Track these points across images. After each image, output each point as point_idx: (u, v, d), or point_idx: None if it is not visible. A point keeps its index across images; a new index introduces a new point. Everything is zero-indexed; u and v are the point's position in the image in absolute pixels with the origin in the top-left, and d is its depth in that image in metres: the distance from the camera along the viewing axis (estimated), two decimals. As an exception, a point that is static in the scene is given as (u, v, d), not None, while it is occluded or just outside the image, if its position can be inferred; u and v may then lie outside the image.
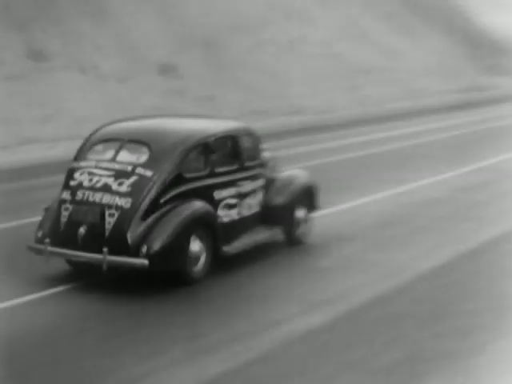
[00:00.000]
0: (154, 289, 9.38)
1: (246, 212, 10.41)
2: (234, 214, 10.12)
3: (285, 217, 10.99)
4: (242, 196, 10.26)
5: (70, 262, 9.80)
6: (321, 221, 12.29)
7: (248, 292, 9.48)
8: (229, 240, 9.90)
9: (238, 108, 28.28)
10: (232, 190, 10.07)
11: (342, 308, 8.98)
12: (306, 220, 11.48)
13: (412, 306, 9.14)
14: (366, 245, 11.89)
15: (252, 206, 10.54)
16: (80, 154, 9.81)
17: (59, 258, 9.61)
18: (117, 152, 9.50)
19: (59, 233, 9.36)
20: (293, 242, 11.25)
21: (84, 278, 9.73)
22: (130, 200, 9.05)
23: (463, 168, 18.89)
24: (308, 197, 11.50)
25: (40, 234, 9.54)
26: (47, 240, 9.31)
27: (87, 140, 10.00)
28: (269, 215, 10.75)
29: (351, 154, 21.20)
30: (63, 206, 9.37)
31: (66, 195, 9.43)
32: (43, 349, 7.59)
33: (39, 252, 9.46)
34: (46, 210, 9.86)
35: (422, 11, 63.49)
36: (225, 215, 9.93)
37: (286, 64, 32.61)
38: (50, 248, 9.27)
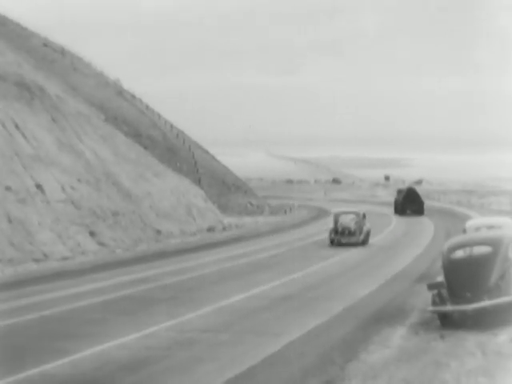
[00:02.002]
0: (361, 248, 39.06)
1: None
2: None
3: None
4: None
5: (332, 242, 38.42)
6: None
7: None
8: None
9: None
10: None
11: None
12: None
13: None
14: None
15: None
16: (337, 215, 39.56)
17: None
18: (346, 216, 39.33)
19: (338, 233, 38.31)
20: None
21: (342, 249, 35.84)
22: (357, 223, 38.64)
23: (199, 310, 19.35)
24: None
25: (332, 236, 38.54)
26: (334, 236, 38.53)
27: (335, 214, 40.08)
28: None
29: (91, 300, 20.98)
30: (339, 227, 38.41)
31: (337, 224, 38.51)
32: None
33: (332, 242, 38.59)
34: (330, 230, 39.10)
35: (161, 152, 65.58)
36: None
37: (27, 211, 32.05)
38: (338, 240, 38.30)
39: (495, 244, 16.18)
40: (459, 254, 16.30)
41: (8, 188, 32.01)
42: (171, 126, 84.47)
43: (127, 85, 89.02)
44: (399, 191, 74.77)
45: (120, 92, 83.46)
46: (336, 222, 39.03)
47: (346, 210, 42.59)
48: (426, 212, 68.43)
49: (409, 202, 69.60)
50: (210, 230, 48.35)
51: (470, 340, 14.41)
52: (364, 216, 39.81)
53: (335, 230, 38.77)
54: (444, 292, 16.09)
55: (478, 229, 21.04)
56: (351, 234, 38.35)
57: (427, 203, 76.17)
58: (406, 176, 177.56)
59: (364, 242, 38.37)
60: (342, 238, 38.38)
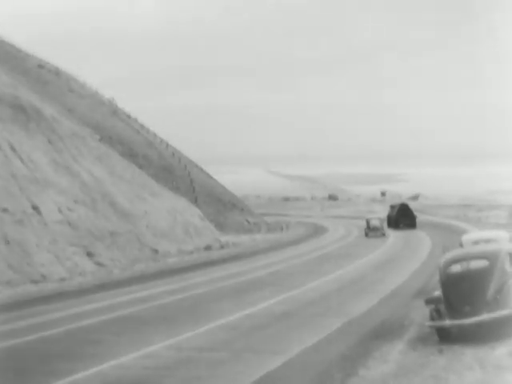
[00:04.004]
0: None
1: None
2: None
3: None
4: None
5: (366, 235, 62.79)
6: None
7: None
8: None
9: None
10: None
11: None
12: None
13: None
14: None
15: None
16: (368, 219, 65.01)
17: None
18: (374, 219, 65.27)
19: (370, 230, 63.24)
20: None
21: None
22: (380, 223, 64.76)
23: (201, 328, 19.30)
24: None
25: (366, 231, 63.35)
26: (367, 231, 64.06)
27: (367, 219, 65.62)
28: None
29: (89, 320, 20.97)
30: (370, 226, 63.81)
31: (369, 224, 63.94)
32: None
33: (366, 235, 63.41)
34: (365, 228, 64.90)
35: (157, 171, 65.60)
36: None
37: (25, 232, 32.05)
38: (370, 234, 63.33)
39: (492, 258, 16.22)
40: (456, 268, 16.33)
41: (5, 210, 32.02)
42: (167, 144, 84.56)
43: (122, 104, 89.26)
44: (392, 206, 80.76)
45: (115, 112, 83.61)
46: (368, 223, 64.62)
47: (374, 216, 69.30)
48: (423, 227, 69.26)
49: (402, 217, 75.20)
50: (208, 248, 48.32)
51: (469, 354, 14.43)
52: (384, 219, 69.27)
53: (368, 228, 64.00)
54: (442, 307, 16.11)
55: (474, 243, 21.08)
56: (377, 229, 63.44)
57: (424, 218, 77.54)
58: (402, 191, 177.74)
59: (384, 235, 61.82)
60: (372, 232, 63.19)
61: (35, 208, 34.07)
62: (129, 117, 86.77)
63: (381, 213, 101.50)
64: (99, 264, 34.92)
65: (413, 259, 38.30)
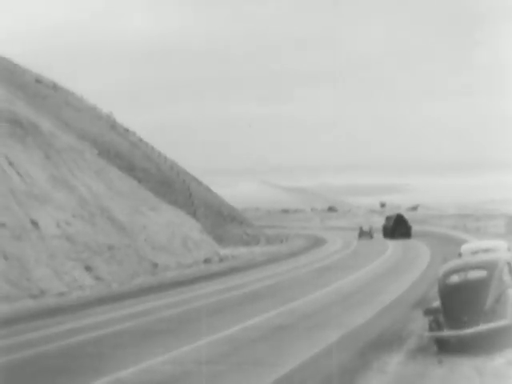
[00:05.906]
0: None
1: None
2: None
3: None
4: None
5: (360, 237, 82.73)
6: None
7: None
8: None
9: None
10: None
11: None
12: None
13: None
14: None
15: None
16: (361, 227, 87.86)
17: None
18: (364, 227, 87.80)
19: (362, 234, 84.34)
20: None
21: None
22: (370, 229, 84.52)
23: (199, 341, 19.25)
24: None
25: (359, 235, 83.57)
26: (360, 235, 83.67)
27: (360, 227, 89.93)
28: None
29: (88, 334, 20.93)
30: (362, 231, 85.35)
31: (361, 230, 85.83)
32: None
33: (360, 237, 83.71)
34: (358, 233, 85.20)
35: (155, 184, 65.60)
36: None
37: (23, 247, 32.02)
38: (362, 236, 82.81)
39: (490, 268, 16.22)
40: (454, 278, 16.34)
41: (3, 225, 31.97)
42: (165, 158, 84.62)
43: (120, 118, 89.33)
44: (388, 218, 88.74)
45: (113, 126, 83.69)
46: (361, 229, 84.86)
47: (364, 224, 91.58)
48: (422, 237, 69.46)
49: (398, 227, 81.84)
50: (207, 261, 48.26)
51: (468, 364, 14.40)
52: (372, 227, 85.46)
53: (360, 233, 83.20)
54: (440, 317, 16.11)
55: (473, 253, 21.07)
56: (368, 234, 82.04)
57: (423, 228, 78.74)
58: (401, 201, 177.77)
59: (372, 237, 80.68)
60: (363, 235, 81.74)
61: (33, 223, 34.02)
62: (127, 130, 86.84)
63: (379, 224, 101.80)
64: (98, 278, 34.86)
65: (412, 270, 38.25)
